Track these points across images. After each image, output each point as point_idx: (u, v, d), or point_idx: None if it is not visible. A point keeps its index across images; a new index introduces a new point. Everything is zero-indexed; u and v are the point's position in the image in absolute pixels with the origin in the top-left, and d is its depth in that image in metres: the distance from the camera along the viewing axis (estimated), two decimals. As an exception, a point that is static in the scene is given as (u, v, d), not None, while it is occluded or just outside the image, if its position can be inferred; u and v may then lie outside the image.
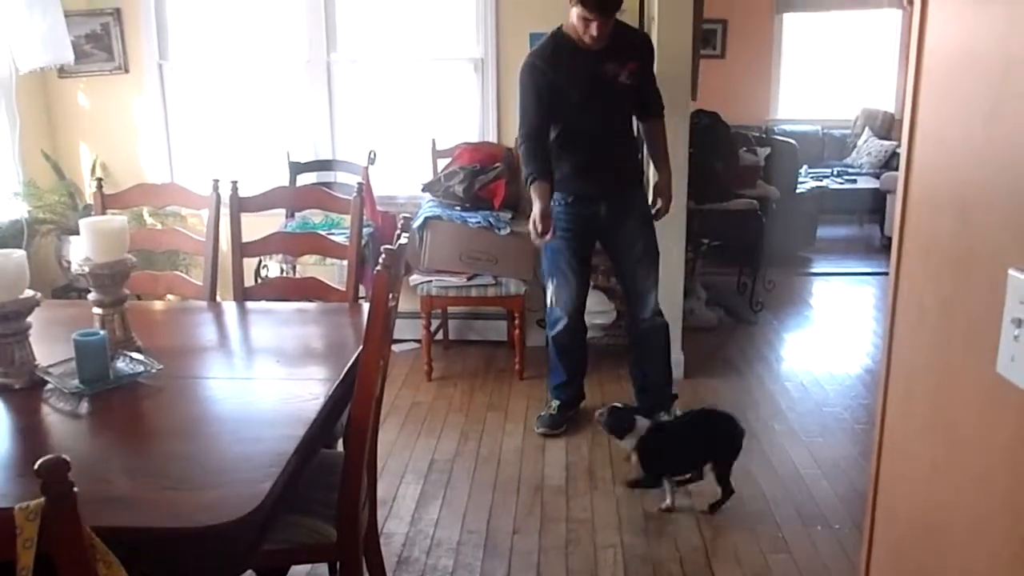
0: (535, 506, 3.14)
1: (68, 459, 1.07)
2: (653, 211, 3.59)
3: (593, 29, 3.17)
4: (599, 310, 4.37)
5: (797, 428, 3.77)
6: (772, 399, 4.10)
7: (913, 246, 1.25)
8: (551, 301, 3.67)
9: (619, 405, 3.23)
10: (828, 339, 5.13)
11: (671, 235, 3.87)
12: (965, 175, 1.08)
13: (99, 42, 4.73)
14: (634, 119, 3.67)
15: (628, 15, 3.97)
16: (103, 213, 2.99)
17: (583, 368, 3.83)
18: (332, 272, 4.19)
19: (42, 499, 1.07)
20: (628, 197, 3.54)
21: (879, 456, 1.40)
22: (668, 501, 3.10)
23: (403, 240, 2.22)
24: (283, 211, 4.40)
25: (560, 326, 3.68)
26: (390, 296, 2.03)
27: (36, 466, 1.06)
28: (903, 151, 1.26)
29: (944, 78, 1.15)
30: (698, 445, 3.12)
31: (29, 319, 2.03)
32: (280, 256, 4.15)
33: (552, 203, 3.50)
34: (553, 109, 3.36)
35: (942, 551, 1.16)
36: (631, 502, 3.16)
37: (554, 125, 3.43)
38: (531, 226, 3.35)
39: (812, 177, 7.76)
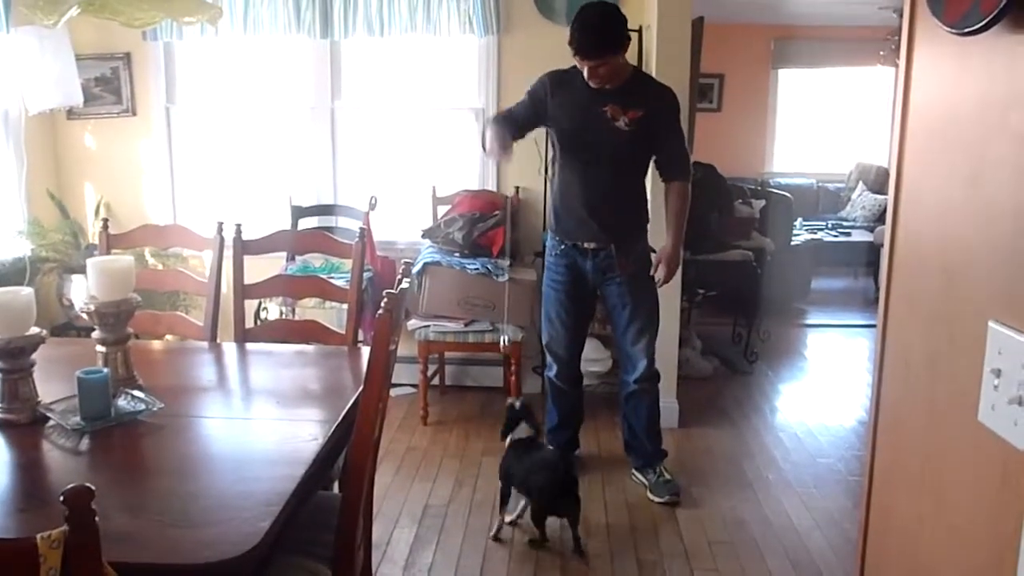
0: (529, 553, 3.13)
1: (92, 487, 1.10)
2: (657, 281, 3.49)
3: (586, 71, 3.25)
4: (594, 358, 4.40)
5: (791, 478, 3.78)
6: (766, 449, 4.11)
7: (899, 300, 1.29)
8: (544, 345, 3.71)
9: (517, 406, 3.28)
10: (822, 390, 5.16)
11: (667, 285, 3.90)
12: (948, 233, 1.13)
13: (108, 85, 4.82)
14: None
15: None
16: (108, 253, 3.03)
17: (578, 415, 3.83)
18: (331, 315, 4.22)
19: (64, 527, 1.09)
20: (618, 256, 3.45)
21: (868, 506, 1.42)
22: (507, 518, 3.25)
23: (404, 285, 2.26)
24: (283, 255, 4.45)
25: (552, 372, 3.72)
26: (391, 340, 2.06)
27: (61, 494, 1.09)
28: (889, 209, 1.31)
29: (928, 141, 1.21)
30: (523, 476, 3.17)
31: (33, 356, 2.07)
32: (280, 299, 4.19)
33: (546, 250, 3.61)
34: (546, 123, 3.47)
35: (929, 599, 1.19)
36: (626, 552, 3.16)
37: (553, 149, 3.52)
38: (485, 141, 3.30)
39: (807, 230, 7.85)
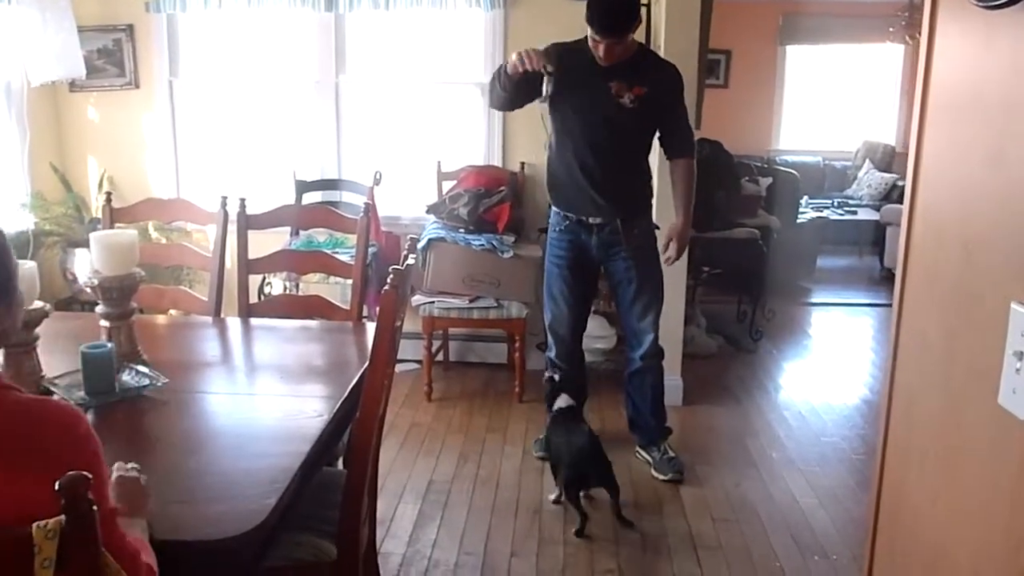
0: (533, 529, 3.14)
1: (89, 476, 1.06)
2: (664, 257, 3.48)
3: (600, 50, 3.21)
4: (599, 335, 4.39)
5: (795, 457, 3.78)
6: (770, 428, 4.10)
7: (917, 279, 1.27)
8: (547, 324, 3.69)
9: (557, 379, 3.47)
10: (827, 369, 5.14)
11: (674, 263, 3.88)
12: (969, 212, 1.10)
13: (111, 57, 4.78)
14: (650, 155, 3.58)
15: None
16: (111, 227, 3.01)
17: (581, 393, 3.82)
18: (335, 291, 4.21)
19: (61, 517, 1.05)
20: (624, 230, 3.42)
21: (880, 487, 1.41)
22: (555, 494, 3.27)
23: (410, 261, 2.24)
24: (287, 229, 4.43)
25: (552, 352, 3.70)
26: (397, 316, 2.05)
27: (57, 484, 1.04)
28: (907, 186, 1.29)
29: (949, 117, 1.18)
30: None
31: (37, 330, 2.05)
32: (284, 274, 4.17)
33: (548, 228, 3.59)
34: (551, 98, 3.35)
35: (942, 581, 1.18)
36: (629, 528, 3.15)
37: (552, 127, 3.45)
38: (519, 58, 3.14)
39: (813, 208, 7.80)
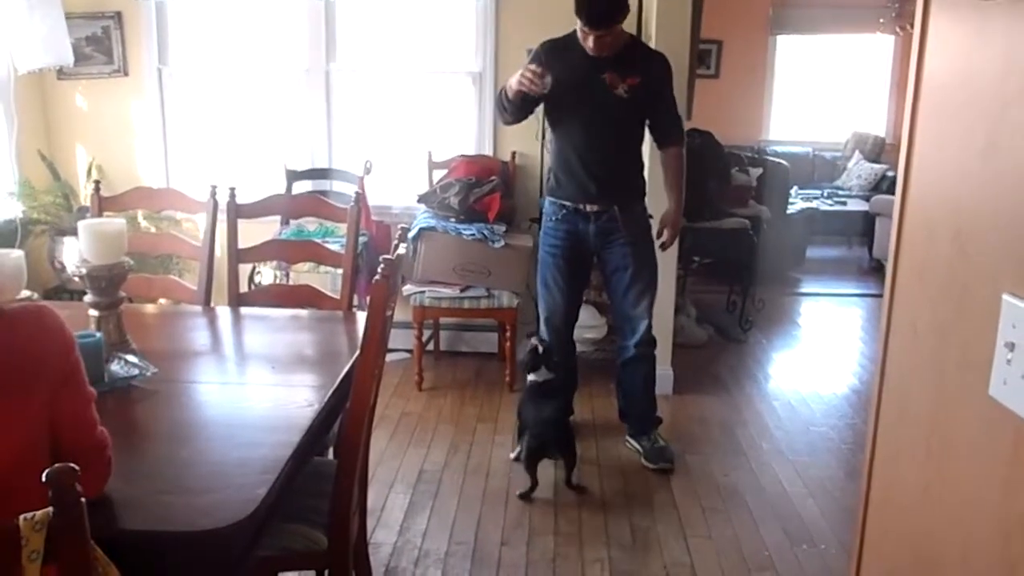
0: (523, 518, 3.15)
1: (76, 468, 1.05)
2: (659, 242, 3.54)
3: (590, 42, 3.22)
4: (590, 324, 4.39)
5: (784, 447, 3.79)
6: (760, 417, 4.12)
7: (908, 270, 1.27)
8: (540, 313, 3.70)
9: (540, 350, 3.48)
10: (816, 359, 5.17)
11: (663, 253, 3.88)
12: (961, 203, 1.10)
13: (99, 45, 4.74)
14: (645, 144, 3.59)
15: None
16: (100, 215, 3.00)
17: (571, 382, 3.83)
18: (325, 280, 4.20)
19: (49, 509, 1.05)
20: (621, 218, 3.44)
21: (869, 478, 1.41)
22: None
23: (401, 250, 2.23)
24: (277, 218, 4.41)
25: (546, 341, 3.70)
26: (388, 306, 2.04)
27: (44, 476, 1.03)
28: (899, 177, 1.29)
29: (942, 108, 1.18)
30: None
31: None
32: (274, 263, 4.16)
33: (543, 217, 3.59)
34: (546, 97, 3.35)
35: (933, 574, 1.18)
36: (618, 517, 3.17)
37: (549, 121, 3.47)
38: (522, 79, 3.17)
39: (803, 198, 7.82)
